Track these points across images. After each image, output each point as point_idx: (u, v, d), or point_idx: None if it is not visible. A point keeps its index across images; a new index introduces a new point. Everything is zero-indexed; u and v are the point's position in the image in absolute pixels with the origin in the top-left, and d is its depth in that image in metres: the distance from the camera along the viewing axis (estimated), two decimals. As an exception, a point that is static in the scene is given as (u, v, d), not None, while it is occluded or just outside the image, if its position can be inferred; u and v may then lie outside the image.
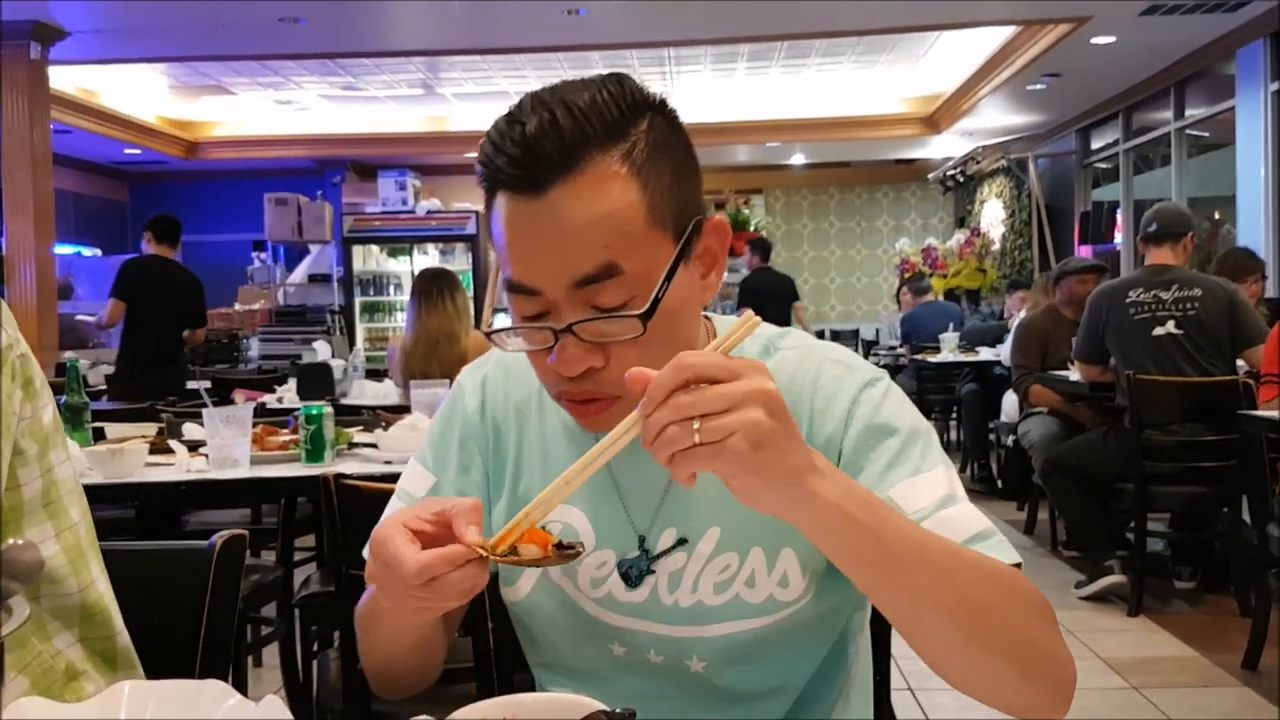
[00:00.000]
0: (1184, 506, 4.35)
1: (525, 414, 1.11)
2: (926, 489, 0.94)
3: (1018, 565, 0.91)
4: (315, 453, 2.54)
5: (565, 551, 0.86)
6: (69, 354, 7.48)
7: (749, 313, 0.79)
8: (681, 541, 1.03)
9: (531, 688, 1.17)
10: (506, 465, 1.11)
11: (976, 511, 0.94)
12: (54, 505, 1.17)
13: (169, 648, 1.41)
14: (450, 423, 1.14)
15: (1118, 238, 10.08)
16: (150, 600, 1.42)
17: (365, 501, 1.89)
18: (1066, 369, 4.89)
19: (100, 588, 1.21)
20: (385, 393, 4.52)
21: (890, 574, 0.81)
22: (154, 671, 1.34)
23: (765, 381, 0.75)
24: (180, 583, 1.44)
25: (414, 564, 0.82)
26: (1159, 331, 4.15)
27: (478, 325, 9.16)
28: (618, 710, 0.80)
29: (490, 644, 1.57)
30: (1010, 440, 5.76)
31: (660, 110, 0.96)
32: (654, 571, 1.03)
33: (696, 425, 0.74)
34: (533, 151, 0.90)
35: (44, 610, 1.15)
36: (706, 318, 1.07)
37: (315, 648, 3.13)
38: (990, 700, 0.86)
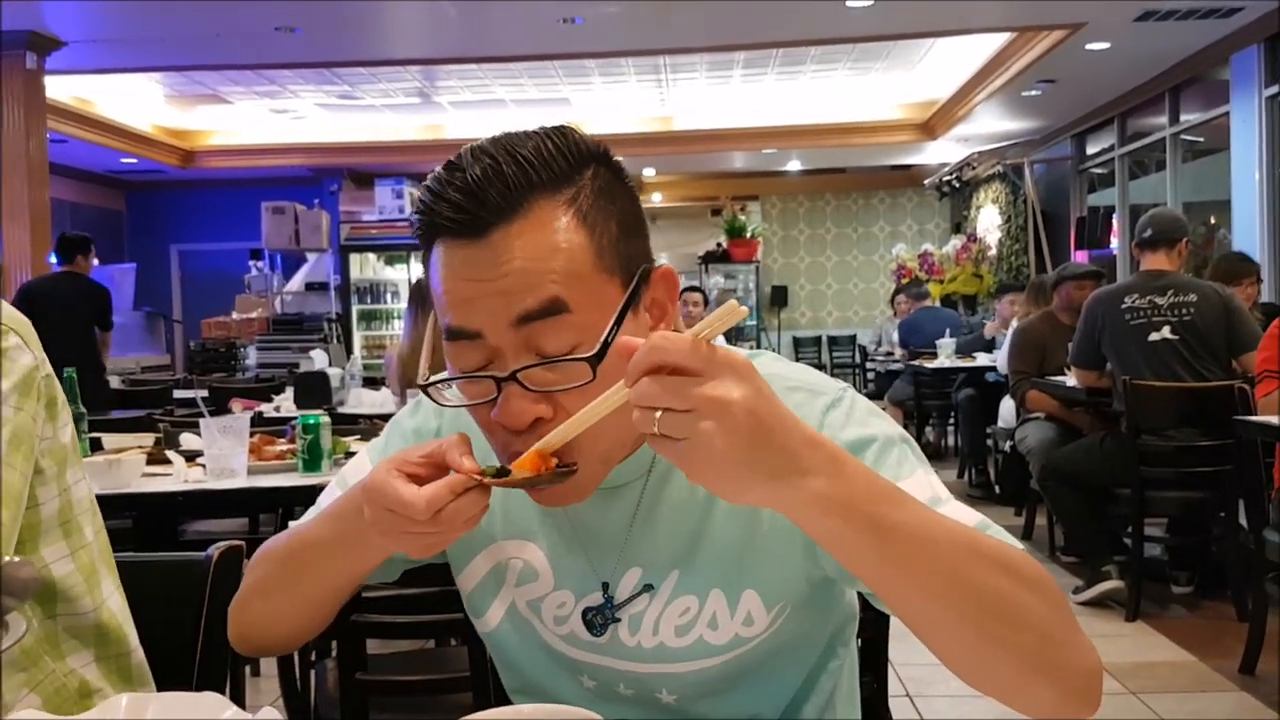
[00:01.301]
0: (1181, 511, 4.35)
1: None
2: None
3: None
4: (312, 462, 2.54)
5: (561, 470, 0.85)
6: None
7: (733, 302, 0.75)
8: (647, 588, 1.00)
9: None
10: None
11: (967, 508, 0.90)
12: (69, 524, 1.18)
13: (166, 659, 1.41)
14: (404, 431, 1.12)
15: (1113, 243, 10.10)
16: (147, 612, 1.42)
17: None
18: (1064, 374, 4.90)
19: (114, 605, 1.22)
20: (383, 401, 4.53)
21: (897, 568, 0.77)
22: (154, 683, 1.34)
23: (734, 390, 0.71)
24: (177, 594, 1.44)
25: (420, 500, 0.82)
26: (1155, 337, 4.15)
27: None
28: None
29: (487, 655, 1.56)
30: (1008, 445, 5.76)
31: (604, 161, 0.93)
32: (619, 619, 1.01)
33: (658, 415, 0.71)
34: (476, 196, 0.86)
35: (59, 629, 1.16)
36: None
37: (313, 657, 3.12)
38: (1016, 702, 0.81)
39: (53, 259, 7.42)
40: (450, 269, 0.89)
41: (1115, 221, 10.11)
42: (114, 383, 6.71)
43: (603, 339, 0.86)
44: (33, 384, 1.12)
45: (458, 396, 0.93)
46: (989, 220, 12.43)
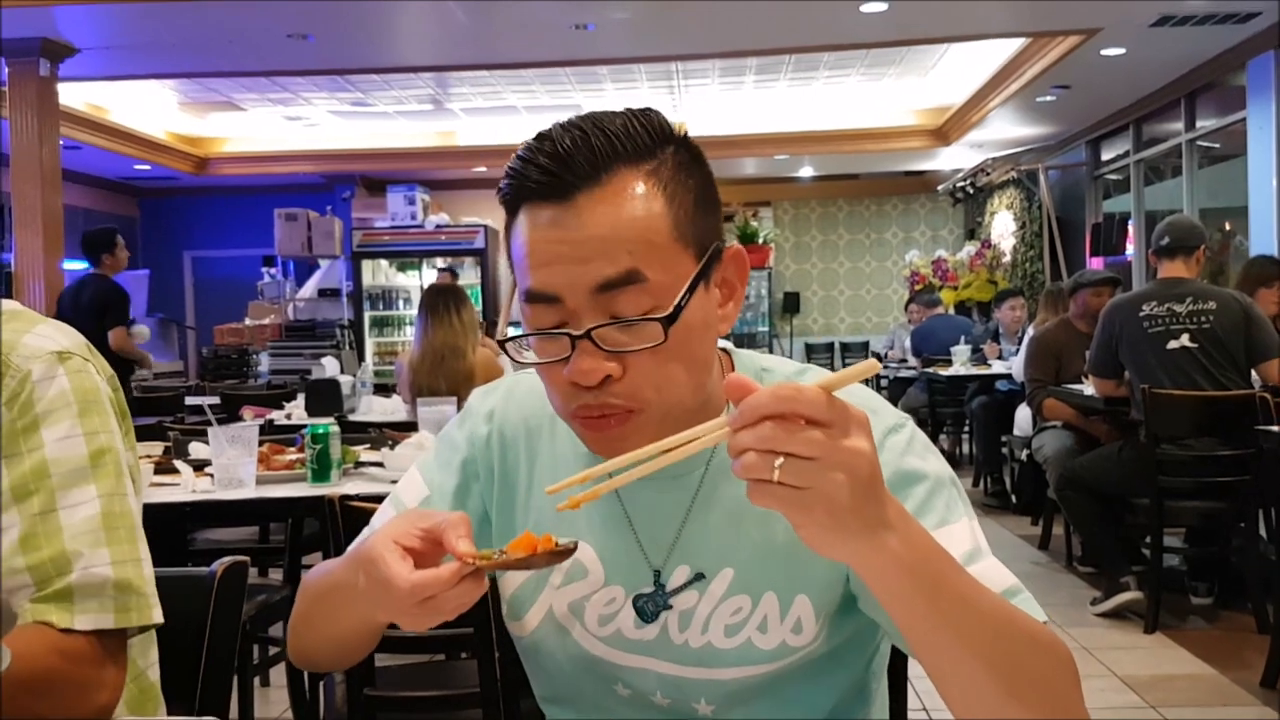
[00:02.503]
0: (1200, 521, 4.30)
1: (536, 440, 1.10)
2: (952, 542, 0.91)
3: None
4: (321, 472, 2.52)
5: (555, 551, 0.85)
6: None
7: (872, 360, 0.77)
8: (698, 577, 1.01)
9: (539, 715, 1.15)
10: (517, 494, 1.09)
11: (1002, 567, 0.93)
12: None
13: (170, 677, 1.39)
14: (455, 443, 1.13)
15: (1129, 249, 10.03)
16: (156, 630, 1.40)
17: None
18: (1081, 383, 4.85)
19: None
20: (394, 409, 4.50)
21: (942, 626, 0.78)
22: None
23: (863, 441, 0.72)
24: (180, 610, 1.41)
25: (406, 584, 0.83)
26: (1173, 345, 4.11)
27: (490, 334, 9.16)
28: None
29: (497, 673, 1.54)
30: (1024, 454, 5.71)
31: (684, 143, 0.97)
32: (670, 607, 1.02)
33: (778, 463, 0.70)
34: (563, 162, 0.91)
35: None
36: (725, 351, 1.06)
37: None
38: None
39: (71, 264, 7.43)
40: (534, 231, 0.93)
41: (1131, 228, 10.05)
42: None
43: (676, 302, 0.90)
44: (105, 401, 1.15)
45: (533, 354, 0.96)
46: (1003, 226, 12.37)
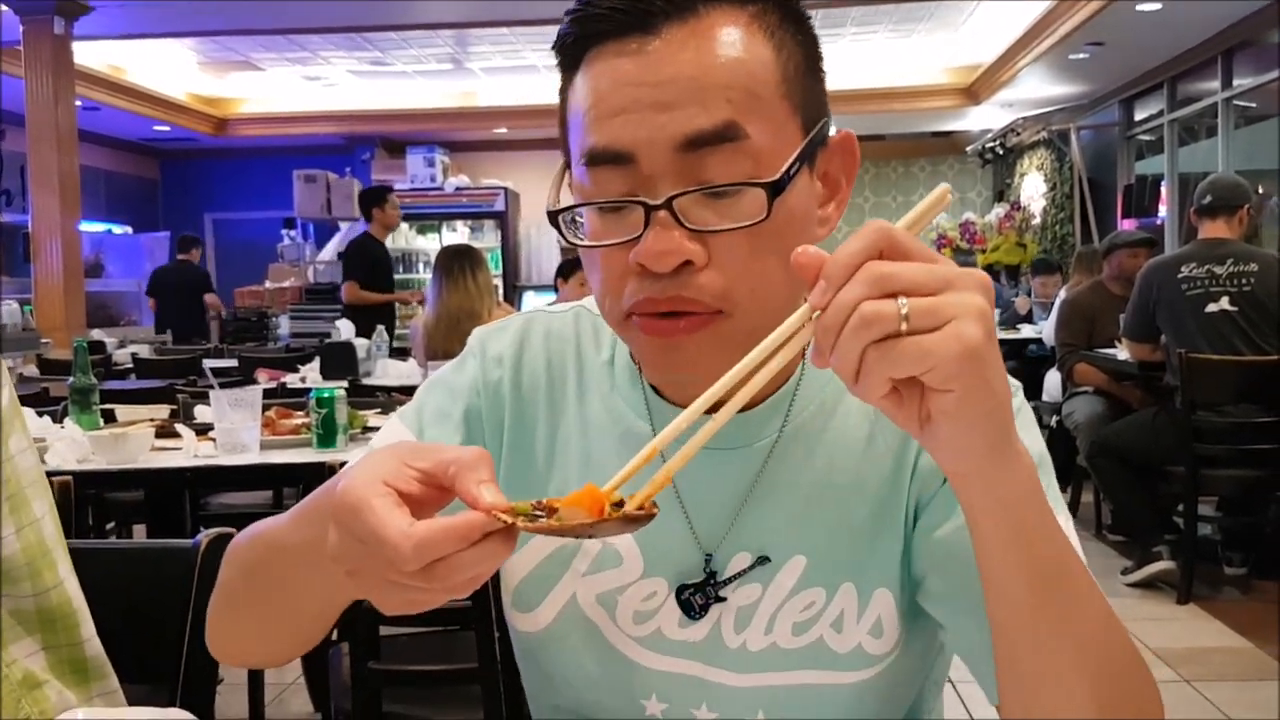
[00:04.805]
0: (1236, 490, 4.18)
1: (560, 395, 0.90)
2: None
3: None
4: (327, 437, 2.44)
5: (632, 517, 0.61)
6: (96, 332, 7.48)
7: (943, 188, 0.61)
8: (761, 561, 0.83)
9: None
10: (533, 460, 0.89)
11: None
12: (15, 498, 1.06)
13: (152, 653, 1.32)
14: (454, 389, 0.91)
15: (1161, 211, 9.82)
16: (131, 603, 1.33)
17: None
18: (1114, 347, 4.72)
19: (68, 590, 1.10)
20: (410, 373, 4.43)
21: (1046, 608, 0.65)
22: (136, 679, 1.24)
23: (980, 272, 0.57)
24: (164, 584, 1.34)
25: (407, 542, 0.57)
26: (1212, 308, 3.97)
27: (509, 299, 9.07)
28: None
29: (497, 652, 1.45)
30: (1054, 421, 5.58)
31: (788, 2, 0.78)
32: (723, 599, 0.83)
33: (903, 303, 0.55)
34: None
35: None
36: None
37: (334, 635, 3.04)
38: None
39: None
40: (604, 76, 0.74)
41: (1164, 190, 9.82)
42: (144, 352, 6.67)
43: (785, 168, 0.72)
44: None
45: (594, 226, 0.76)
46: (1033, 188, 12.14)
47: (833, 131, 0.81)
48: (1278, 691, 3.06)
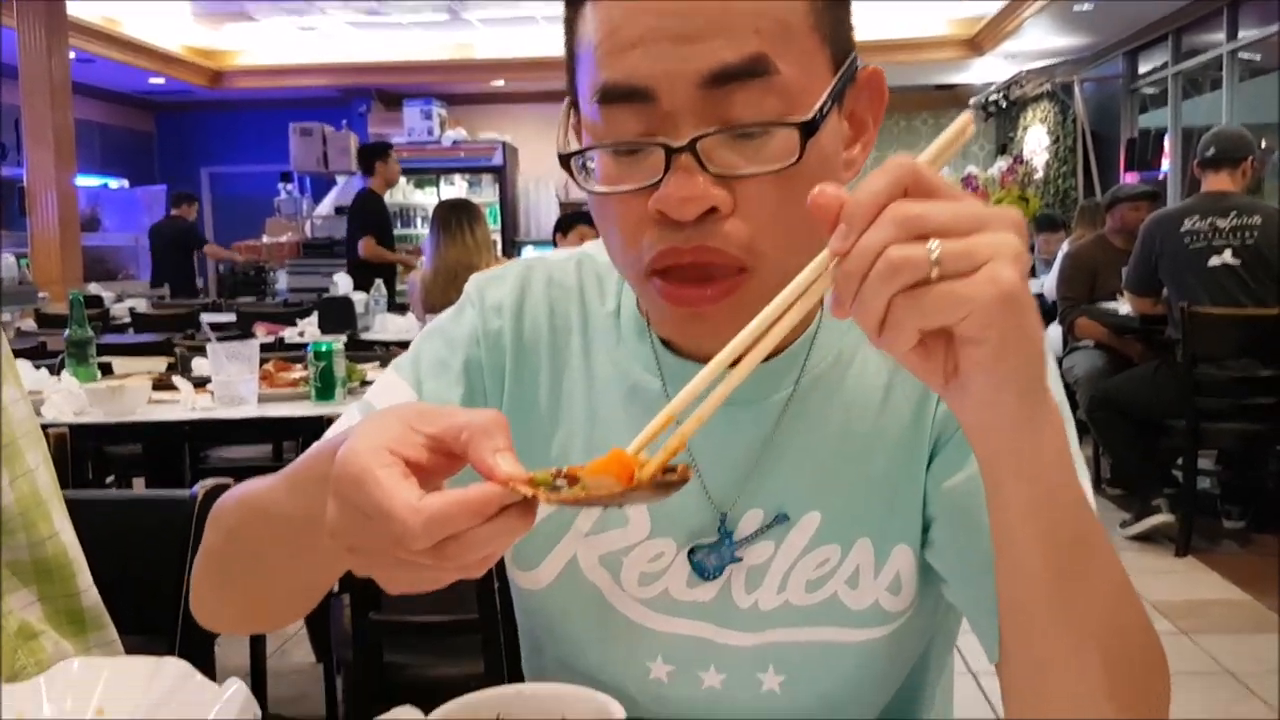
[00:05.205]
0: (1236, 444, 4.19)
1: (563, 348, 0.86)
2: None
3: None
4: (325, 390, 2.43)
5: (664, 483, 0.57)
6: (93, 286, 7.45)
7: (965, 116, 0.56)
8: (779, 519, 0.80)
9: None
10: (535, 418, 0.85)
11: None
12: (8, 449, 1.05)
13: (150, 604, 1.31)
14: (453, 340, 0.86)
15: (1164, 165, 9.75)
16: (128, 554, 1.32)
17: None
18: (1115, 300, 4.70)
19: (64, 540, 1.09)
20: (408, 328, 4.42)
21: (1064, 574, 0.62)
22: (134, 630, 1.24)
23: (1013, 210, 0.54)
24: (161, 535, 1.34)
25: (417, 517, 0.52)
26: (1215, 261, 3.95)
27: (507, 254, 9.02)
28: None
29: (497, 605, 1.45)
30: (1053, 375, 5.58)
31: None
32: (739, 559, 0.80)
33: (934, 248, 0.51)
34: None
35: None
36: None
37: (336, 587, 3.05)
38: None
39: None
40: (618, 4, 0.68)
41: (1167, 143, 9.75)
42: (142, 306, 6.65)
43: (818, 106, 0.67)
44: None
45: (607, 170, 0.70)
46: (1036, 141, 12.05)
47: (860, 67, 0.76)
48: (1277, 643, 3.08)
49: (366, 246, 6.39)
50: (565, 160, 0.72)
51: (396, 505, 0.52)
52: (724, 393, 0.57)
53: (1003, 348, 0.52)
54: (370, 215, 6.57)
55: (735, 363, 0.57)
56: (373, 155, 6.66)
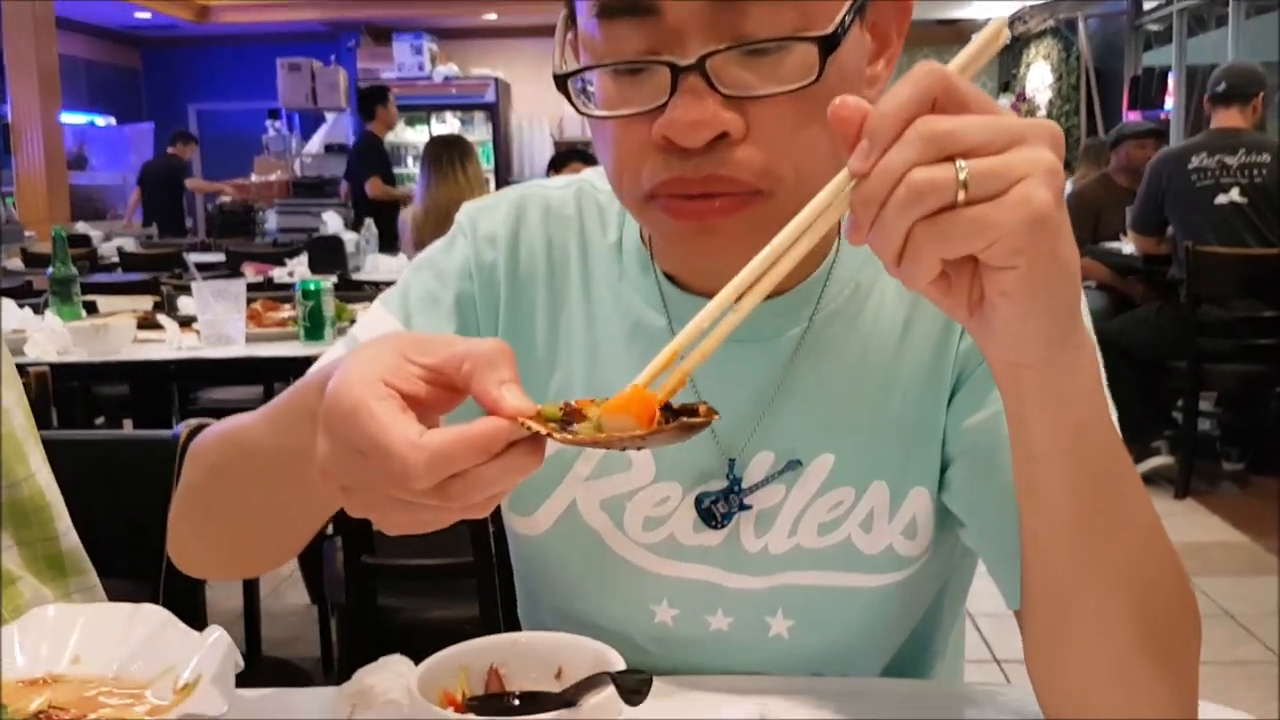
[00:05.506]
0: (1237, 385, 4.16)
1: (561, 280, 0.82)
2: None
3: None
4: (314, 330, 2.38)
5: (688, 422, 0.53)
6: (81, 225, 7.35)
7: (997, 21, 0.52)
8: (791, 465, 0.76)
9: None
10: (533, 352, 0.81)
11: None
12: None
13: (134, 547, 1.27)
14: (444, 273, 0.82)
15: (1168, 103, 9.64)
16: (111, 496, 1.28)
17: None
18: (1118, 240, 4.65)
19: (41, 482, 1.05)
20: (399, 267, 4.36)
21: (1093, 503, 0.59)
22: (118, 574, 1.20)
23: (1051, 123, 0.50)
24: (143, 476, 1.29)
25: (418, 455, 0.48)
26: (1222, 200, 3.89)
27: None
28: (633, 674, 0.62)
29: (492, 548, 1.41)
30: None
31: None
32: (748, 508, 0.76)
33: (962, 167, 0.47)
34: None
35: None
36: None
37: (329, 529, 3.02)
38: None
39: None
40: None
41: (1171, 81, 9.63)
42: (130, 245, 6.56)
43: (839, 19, 0.61)
44: None
45: (607, 92, 0.65)
46: (1039, 79, 11.94)
47: None
48: (1276, 585, 3.07)
49: (374, 186, 6.44)
50: (561, 81, 0.67)
51: (395, 441, 0.49)
52: (731, 325, 0.53)
53: (1032, 274, 0.49)
54: (375, 157, 6.65)
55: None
56: (373, 100, 6.69)
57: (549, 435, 0.50)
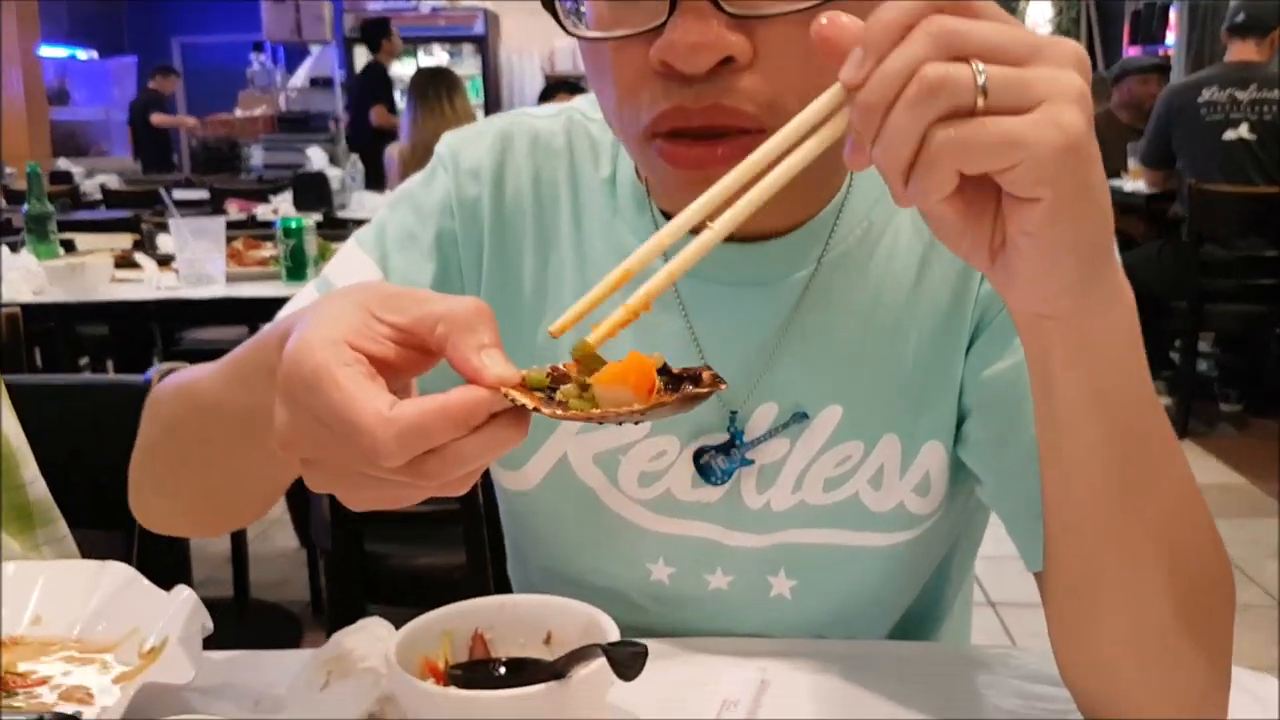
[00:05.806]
0: (1237, 326, 4.12)
1: (551, 216, 0.76)
2: None
3: None
4: (296, 270, 2.32)
5: (692, 392, 0.49)
6: (63, 161, 7.22)
7: None
8: (797, 418, 0.71)
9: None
10: (519, 296, 0.76)
11: None
12: None
13: (106, 496, 1.22)
14: (423, 209, 0.77)
15: (1169, 38, 9.50)
16: (81, 443, 1.23)
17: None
18: (1120, 178, 4.57)
19: (4, 428, 1.00)
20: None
21: (1124, 463, 0.55)
22: (90, 524, 1.16)
23: (1075, 44, 0.44)
24: (114, 422, 1.23)
25: (388, 429, 0.44)
26: (1230, 135, 3.82)
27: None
28: (628, 643, 0.57)
29: (480, 498, 1.36)
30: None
31: None
32: (750, 462, 0.72)
33: (980, 69, 0.41)
34: None
35: None
36: None
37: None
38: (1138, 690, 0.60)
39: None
40: None
41: (1173, 15, 9.48)
42: (113, 183, 6.44)
43: None
44: None
45: (601, 11, 0.60)
46: (1039, 13, 11.76)
47: None
48: (1276, 528, 3.05)
49: (379, 114, 6.46)
50: (549, 1, 0.60)
51: (363, 415, 0.44)
52: (704, 247, 0.46)
53: (1059, 208, 0.43)
54: (380, 84, 6.76)
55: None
56: (378, 33, 6.88)
57: (535, 409, 0.45)
